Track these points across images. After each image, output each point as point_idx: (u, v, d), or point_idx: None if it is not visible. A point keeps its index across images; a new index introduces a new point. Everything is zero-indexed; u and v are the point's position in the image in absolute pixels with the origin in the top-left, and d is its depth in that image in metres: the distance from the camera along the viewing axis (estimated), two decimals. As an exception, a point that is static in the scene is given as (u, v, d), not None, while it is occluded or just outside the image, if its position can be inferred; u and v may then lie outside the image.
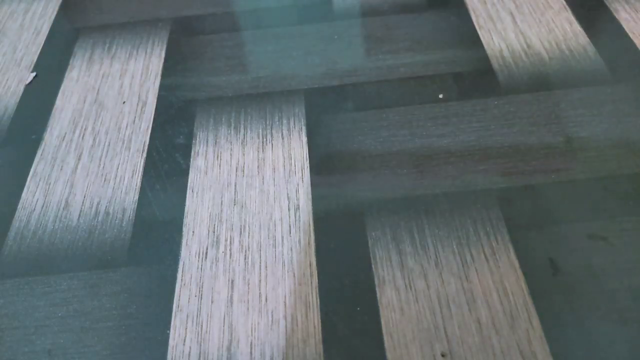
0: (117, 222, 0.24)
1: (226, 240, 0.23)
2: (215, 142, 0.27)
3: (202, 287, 0.22)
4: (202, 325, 0.21)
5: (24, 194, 0.26)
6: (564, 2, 0.31)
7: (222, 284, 0.22)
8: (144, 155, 0.27)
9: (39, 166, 0.27)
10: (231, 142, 0.27)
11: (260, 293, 0.21)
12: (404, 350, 0.19)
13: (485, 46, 0.29)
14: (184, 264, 0.22)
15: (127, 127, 0.28)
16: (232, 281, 0.22)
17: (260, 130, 0.27)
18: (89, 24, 0.34)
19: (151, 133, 0.27)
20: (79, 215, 0.25)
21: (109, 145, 0.27)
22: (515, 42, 0.29)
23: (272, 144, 0.26)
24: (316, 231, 0.23)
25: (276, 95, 0.28)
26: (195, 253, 0.23)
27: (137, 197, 0.25)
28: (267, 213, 0.24)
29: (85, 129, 0.28)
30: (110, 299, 0.22)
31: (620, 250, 0.21)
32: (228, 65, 0.30)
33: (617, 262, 0.21)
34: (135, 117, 0.28)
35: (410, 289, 0.21)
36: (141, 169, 0.26)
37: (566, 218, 0.22)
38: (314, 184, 0.24)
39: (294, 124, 0.27)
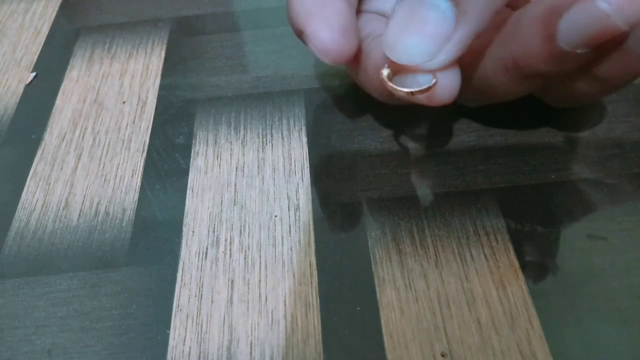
0: (117, 222, 0.24)
1: (226, 240, 0.23)
2: (215, 142, 0.27)
3: (202, 287, 0.22)
4: (202, 325, 0.21)
5: (23, 194, 0.26)
6: None
7: (222, 283, 0.22)
8: (144, 155, 0.27)
9: (39, 166, 0.27)
10: (231, 142, 0.27)
11: (260, 293, 0.21)
12: (404, 350, 0.19)
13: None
14: (183, 264, 0.22)
15: (127, 127, 0.28)
16: (232, 281, 0.22)
17: (260, 130, 0.27)
18: (89, 24, 0.34)
19: (151, 133, 0.27)
20: (79, 215, 0.25)
21: (109, 145, 0.27)
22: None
23: (272, 144, 0.26)
24: (316, 231, 0.23)
25: (276, 95, 0.28)
26: (195, 253, 0.23)
27: (137, 197, 0.25)
28: (267, 213, 0.24)
29: (85, 129, 0.28)
30: (110, 299, 0.22)
31: (620, 250, 0.21)
32: (228, 65, 0.30)
33: (617, 262, 0.21)
34: (135, 117, 0.28)
35: (410, 289, 0.21)
36: (141, 169, 0.26)
37: (566, 218, 0.22)
38: (314, 184, 0.24)
39: (294, 124, 0.27)
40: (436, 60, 0.19)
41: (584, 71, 0.20)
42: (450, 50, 0.19)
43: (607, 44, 0.18)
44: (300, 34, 0.22)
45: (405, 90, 0.20)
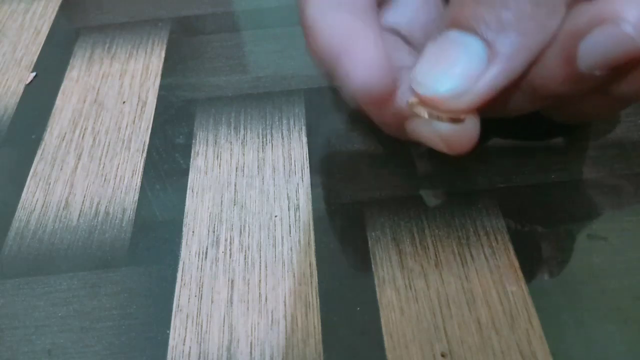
0: (117, 222, 0.24)
1: (226, 240, 0.23)
2: (215, 142, 0.27)
3: (202, 287, 0.22)
4: (202, 325, 0.21)
5: (23, 194, 0.26)
6: None
7: (222, 283, 0.22)
8: (144, 155, 0.27)
9: (39, 166, 0.27)
10: (231, 142, 0.27)
11: (260, 293, 0.21)
12: (404, 351, 0.19)
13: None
14: (183, 264, 0.22)
15: (127, 127, 0.28)
16: (232, 281, 0.22)
17: (260, 130, 0.27)
18: (89, 24, 0.34)
19: (151, 133, 0.27)
20: (79, 215, 0.25)
21: (109, 145, 0.27)
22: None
23: (272, 144, 0.26)
24: (316, 231, 0.23)
25: (276, 95, 0.28)
26: (195, 253, 0.23)
27: (137, 197, 0.25)
28: (267, 213, 0.24)
29: (85, 129, 0.28)
30: (110, 299, 0.22)
31: (620, 250, 0.21)
32: (228, 65, 0.30)
33: (617, 262, 0.21)
34: (135, 117, 0.28)
35: (410, 289, 0.21)
36: (141, 169, 0.26)
37: (566, 218, 0.22)
38: (314, 184, 0.24)
39: (294, 124, 0.27)
40: (464, 99, 0.18)
41: (598, 90, 0.20)
42: (478, 91, 0.18)
43: (626, 65, 0.18)
44: (329, 71, 0.20)
45: (436, 113, 0.19)
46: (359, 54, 0.19)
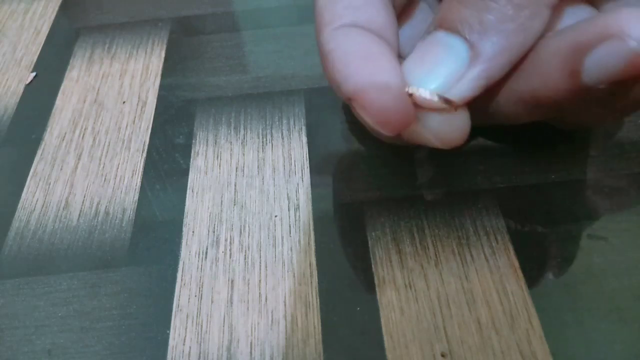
0: (117, 222, 0.24)
1: (226, 240, 0.23)
2: (215, 142, 0.27)
3: (202, 287, 0.22)
4: (202, 325, 0.21)
5: (23, 194, 0.26)
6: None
7: (222, 283, 0.22)
8: (144, 155, 0.27)
9: (38, 166, 0.27)
10: (231, 142, 0.27)
11: (260, 293, 0.21)
12: (404, 350, 0.19)
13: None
14: (183, 264, 0.23)
15: (127, 127, 0.28)
16: (232, 281, 0.22)
17: (260, 130, 0.27)
18: (89, 24, 0.34)
19: (151, 133, 0.27)
20: (79, 215, 0.25)
21: (109, 145, 0.27)
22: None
23: (272, 144, 0.26)
24: (316, 231, 0.23)
25: (276, 95, 0.28)
26: (195, 253, 0.23)
27: (137, 197, 0.25)
28: (267, 213, 0.24)
29: (85, 129, 0.28)
30: (110, 299, 0.22)
31: (620, 250, 0.21)
32: (228, 65, 0.30)
33: (617, 262, 0.21)
34: (135, 117, 0.28)
35: (410, 289, 0.21)
36: (141, 169, 0.26)
37: (566, 218, 0.22)
38: (314, 184, 0.24)
39: (294, 124, 0.27)
40: (449, 94, 0.19)
41: (601, 101, 0.20)
42: (460, 91, 0.18)
43: (630, 78, 0.18)
44: (346, 98, 0.20)
45: (431, 91, 0.19)
46: (374, 90, 0.18)
